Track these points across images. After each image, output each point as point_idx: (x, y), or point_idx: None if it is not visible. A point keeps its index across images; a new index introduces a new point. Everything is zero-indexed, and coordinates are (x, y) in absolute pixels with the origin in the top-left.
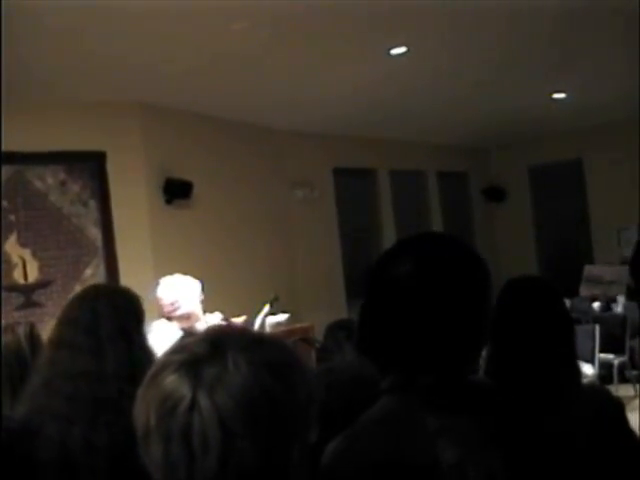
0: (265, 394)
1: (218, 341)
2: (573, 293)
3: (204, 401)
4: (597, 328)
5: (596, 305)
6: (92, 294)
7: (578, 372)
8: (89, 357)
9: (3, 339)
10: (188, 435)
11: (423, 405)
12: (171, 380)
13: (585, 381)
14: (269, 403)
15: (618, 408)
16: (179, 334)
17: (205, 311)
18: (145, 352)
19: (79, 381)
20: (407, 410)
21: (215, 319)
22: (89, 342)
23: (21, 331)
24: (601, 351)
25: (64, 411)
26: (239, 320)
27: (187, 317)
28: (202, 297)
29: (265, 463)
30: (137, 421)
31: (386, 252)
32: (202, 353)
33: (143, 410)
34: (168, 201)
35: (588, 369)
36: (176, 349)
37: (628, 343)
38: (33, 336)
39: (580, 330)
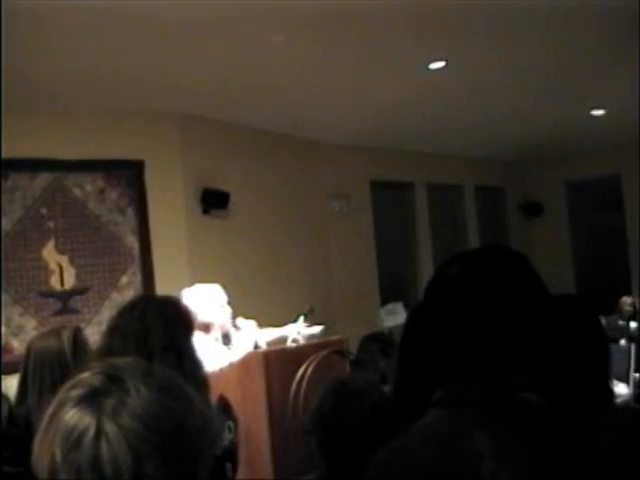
0: (169, 414)
1: (114, 372)
2: (610, 310)
3: (109, 427)
4: (633, 347)
5: (633, 324)
6: (142, 304)
7: (611, 394)
8: None
9: (47, 342)
10: (98, 464)
11: (472, 421)
12: (72, 414)
13: (619, 401)
14: (173, 422)
15: None
16: (205, 343)
17: (236, 317)
18: (195, 363)
19: None
20: (456, 426)
21: (249, 326)
22: (139, 352)
23: (65, 335)
24: (636, 370)
25: None
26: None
27: (204, 327)
28: (224, 303)
29: None
30: (40, 463)
31: (443, 262)
32: (100, 386)
33: (46, 450)
34: (205, 211)
35: (623, 388)
36: (71, 385)
37: None
38: (77, 341)
39: (616, 349)
